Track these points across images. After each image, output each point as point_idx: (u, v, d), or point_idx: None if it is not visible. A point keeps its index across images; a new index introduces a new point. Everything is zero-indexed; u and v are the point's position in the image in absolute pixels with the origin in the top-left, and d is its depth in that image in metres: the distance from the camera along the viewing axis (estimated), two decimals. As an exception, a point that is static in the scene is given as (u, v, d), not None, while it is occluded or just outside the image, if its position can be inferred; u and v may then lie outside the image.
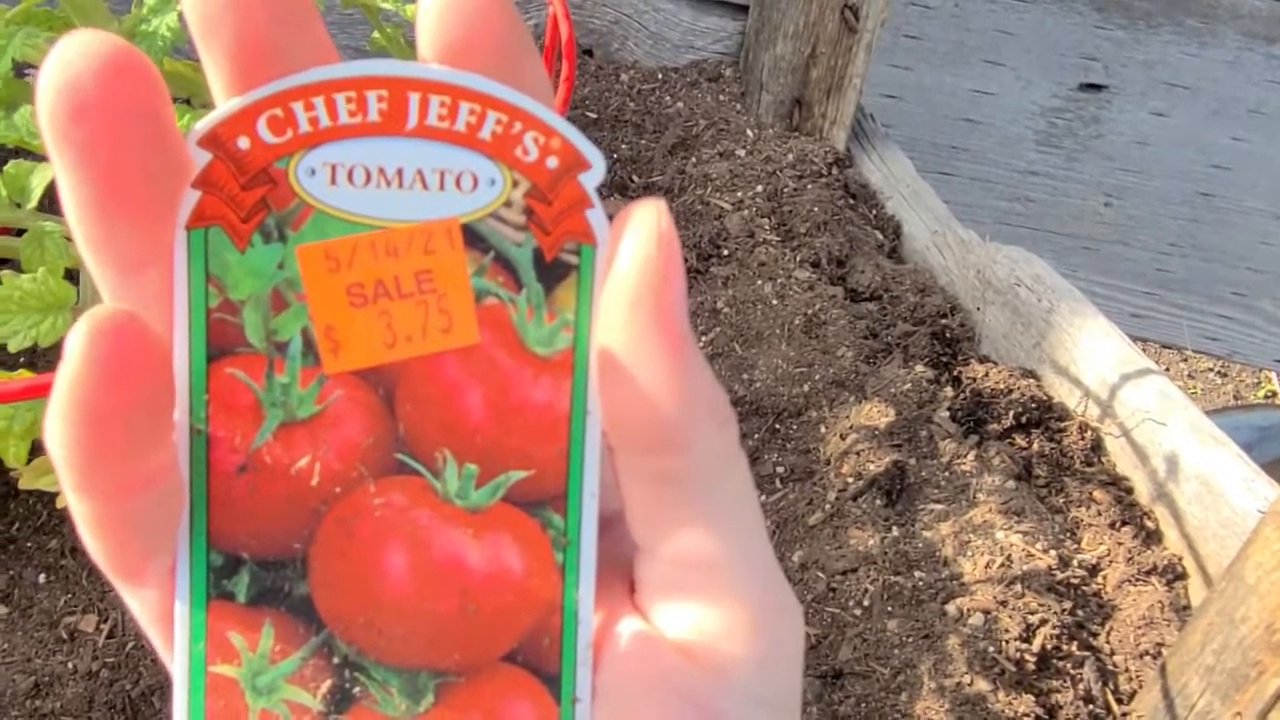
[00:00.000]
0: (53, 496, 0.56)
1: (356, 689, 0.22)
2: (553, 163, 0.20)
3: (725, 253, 0.91)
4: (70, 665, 0.58)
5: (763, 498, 0.73)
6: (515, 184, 0.20)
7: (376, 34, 0.62)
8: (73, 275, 0.46)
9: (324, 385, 0.21)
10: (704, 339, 0.85)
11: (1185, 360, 2.32)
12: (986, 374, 0.78)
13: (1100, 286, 1.69)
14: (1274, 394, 2.25)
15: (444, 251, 0.20)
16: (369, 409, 0.21)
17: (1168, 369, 2.33)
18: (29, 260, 0.44)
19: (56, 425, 0.18)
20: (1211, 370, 2.31)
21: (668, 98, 1.06)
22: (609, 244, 0.20)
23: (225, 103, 0.19)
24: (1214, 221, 1.60)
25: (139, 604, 0.21)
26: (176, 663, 0.21)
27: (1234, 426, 1.64)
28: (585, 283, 0.21)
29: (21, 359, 0.47)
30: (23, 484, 0.53)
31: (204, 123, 0.19)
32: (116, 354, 0.18)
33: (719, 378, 0.81)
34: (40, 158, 0.47)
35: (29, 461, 0.51)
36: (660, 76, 1.08)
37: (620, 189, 0.99)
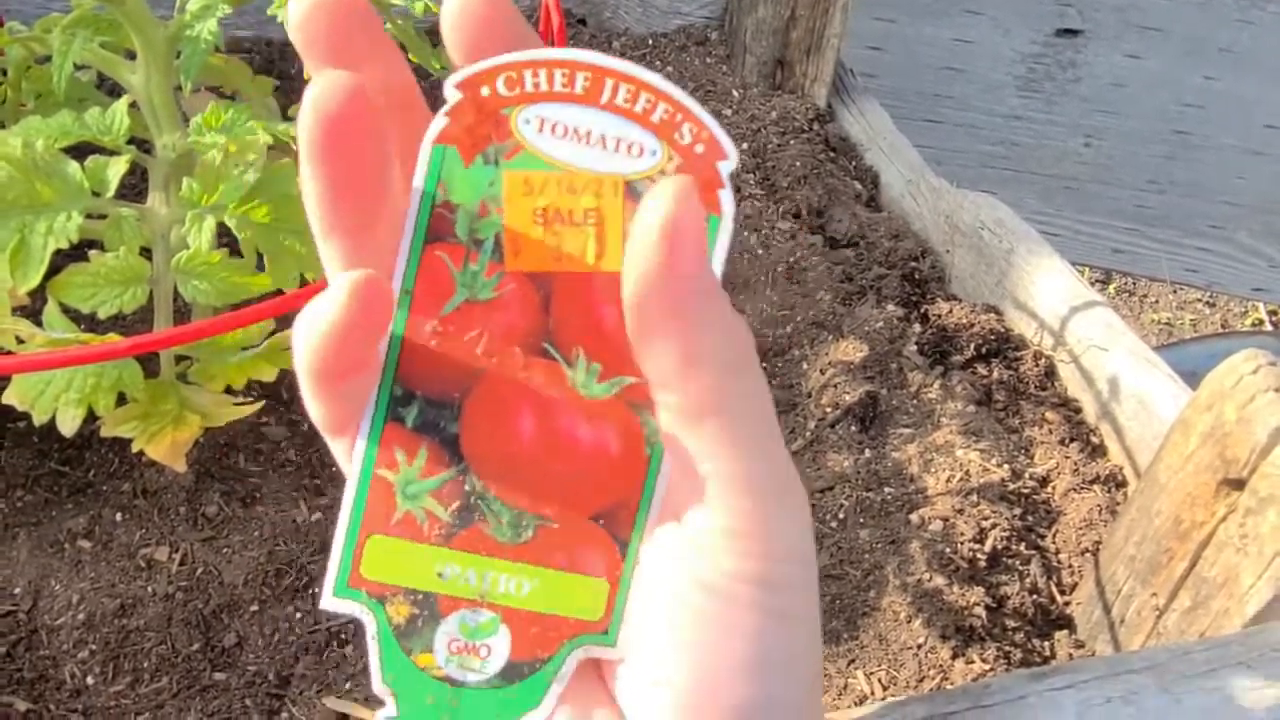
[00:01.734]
0: (125, 443, 0.64)
1: (476, 514, 0.30)
2: (700, 149, 0.27)
3: (714, 207, 0.99)
4: (149, 589, 0.67)
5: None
6: (670, 158, 0.28)
7: (388, 25, 0.69)
8: (145, 253, 0.54)
9: (502, 279, 0.29)
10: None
11: (1175, 292, 2.38)
12: (951, 310, 0.86)
13: (1084, 225, 1.75)
14: (1261, 322, 2.32)
15: (609, 198, 0.28)
16: (531, 304, 0.29)
17: (1158, 301, 2.39)
18: (111, 240, 0.52)
19: (316, 338, 0.26)
20: (1200, 300, 2.38)
21: (658, 62, 1.13)
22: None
23: (479, 62, 0.28)
24: (1190, 158, 1.66)
25: (340, 448, 0.30)
26: (354, 463, 0.30)
27: (1208, 353, 1.72)
28: (711, 243, 0.28)
29: (109, 324, 0.55)
30: (104, 431, 0.62)
31: (463, 72, 0.28)
32: (363, 295, 0.26)
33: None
34: (111, 152, 0.55)
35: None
36: (650, 42, 1.15)
37: (616, 151, 1.06)
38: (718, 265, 0.28)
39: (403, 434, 0.29)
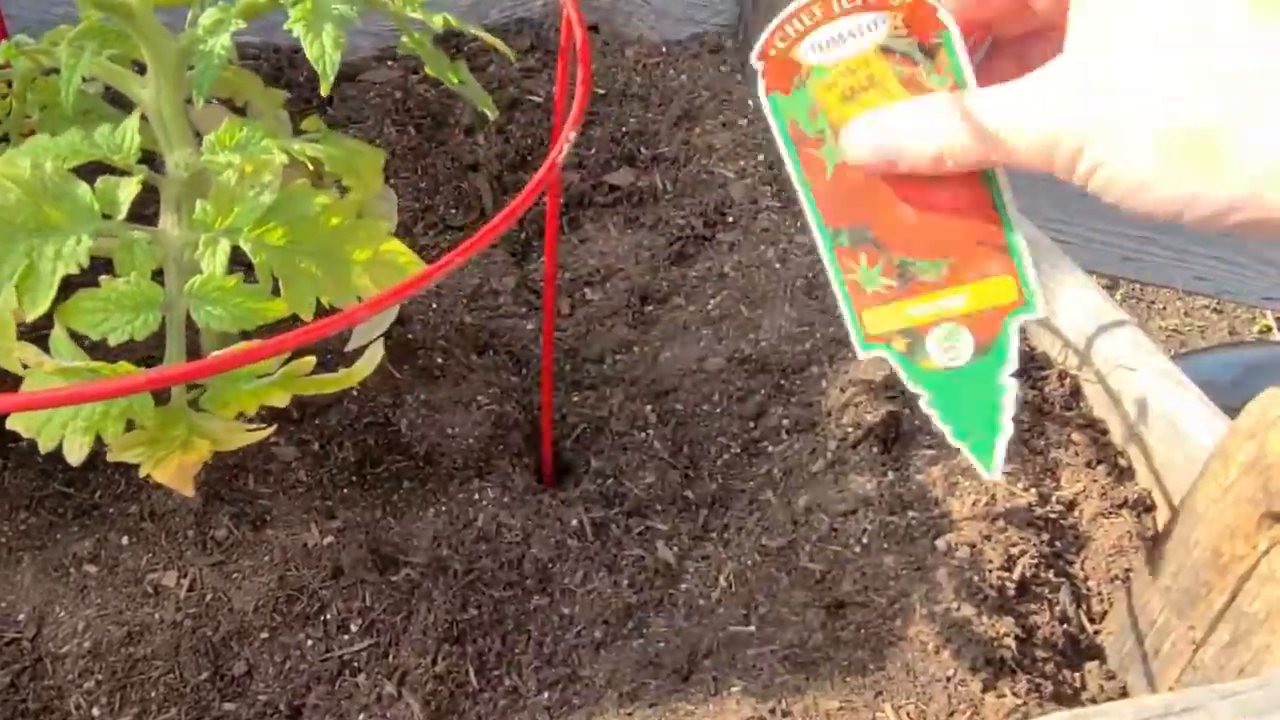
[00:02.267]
0: (132, 464, 0.62)
1: (909, 274, 0.50)
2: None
3: (730, 219, 0.97)
4: (157, 616, 0.65)
5: (769, 448, 0.80)
6: (895, 16, 0.46)
7: (405, 39, 0.68)
8: (157, 276, 0.53)
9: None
10: (713, 301, 0.91)
11: (1181, 299, 2.37)
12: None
13: (1096, 232, 1.74)
14: (1269, 329, 2.31)
15: (875, 63, 0.47)
16: None
17: (1165, 307, 2.38)
18: (122, 265, 0.50)
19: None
20: (1207, 307, 2.36)
21: (671, 71, 1.11)
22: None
23: (760, 37, 0.49)
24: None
25: None
26: (831, 280, 0.52)
27: (1222, 364, 1.70)
28: (950, 49, 0.47)
29: (119, 350, 0.54)
30: (111, 456, 0.60)
31: (755, 48, 0.49)
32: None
33: (727, 338, 0.87)
34: (122, 172, 0.54)
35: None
36: (664, 50, 1.13)
37: (629, 160, 1.04)
38: (967, 70, 0.47)
39: (845, 251, 0.51)
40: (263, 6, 0.60)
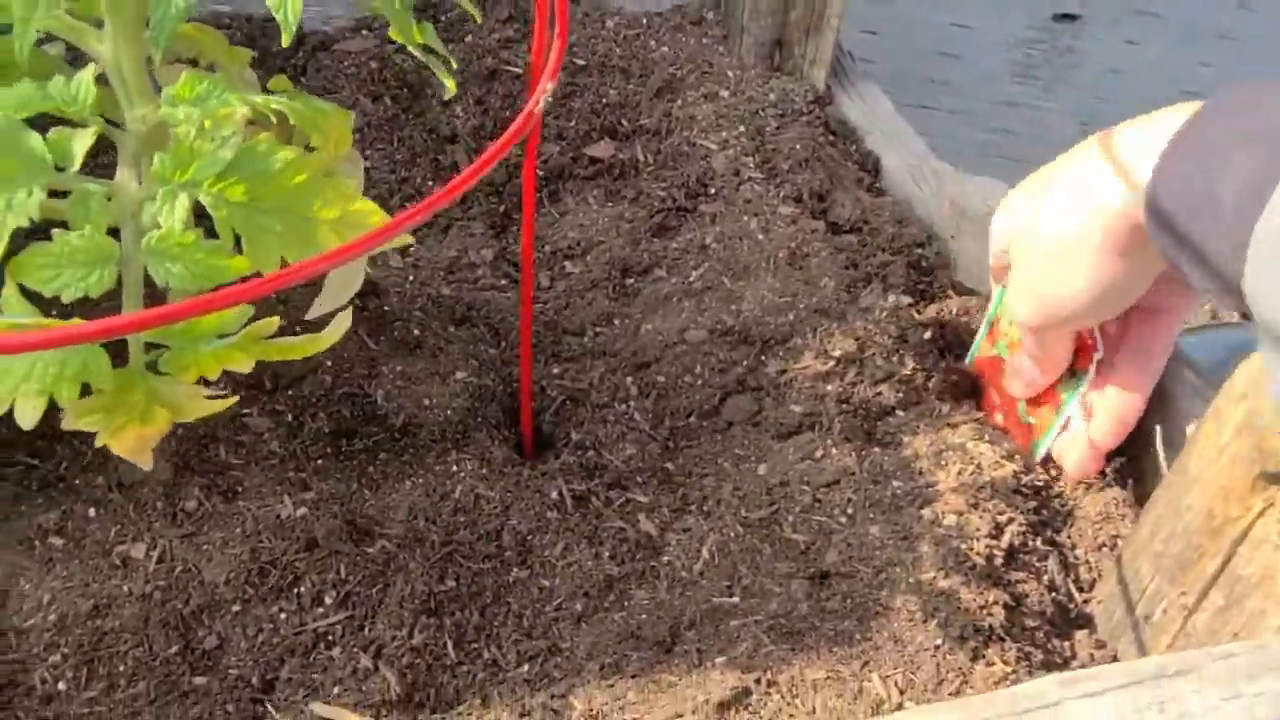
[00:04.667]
0: (93, 436, 0.60)
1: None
2: None
3: (712, 191, 0.96)
4: (125, 588, 0.64)
5: (751, 420, 0.78)
6: None
7: (376, 1, 0.66)
8: (114, 233, 0.51)
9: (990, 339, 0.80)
10: (695, 273, 0.90)
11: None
12: (959, 299, 0.83)
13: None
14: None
15: None
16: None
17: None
18: (75, 219, 0.48)
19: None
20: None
21: (652, 42, 1.09)
22: None
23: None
24: (1187, 145, 1.64)
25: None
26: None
27: (1207, 344, 1.69)
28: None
29: (73, 309, 0.52)
30: (65, 424, 0.58)
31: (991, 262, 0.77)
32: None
33: (710, 310, 0.86)
34: (78, 124, 0.51)
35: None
36: (645, 22, 1.11)
37: (610, 133, 1.03)
38: None
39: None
40: (228, -43, 0.58)
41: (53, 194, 0.49)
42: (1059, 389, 0.72)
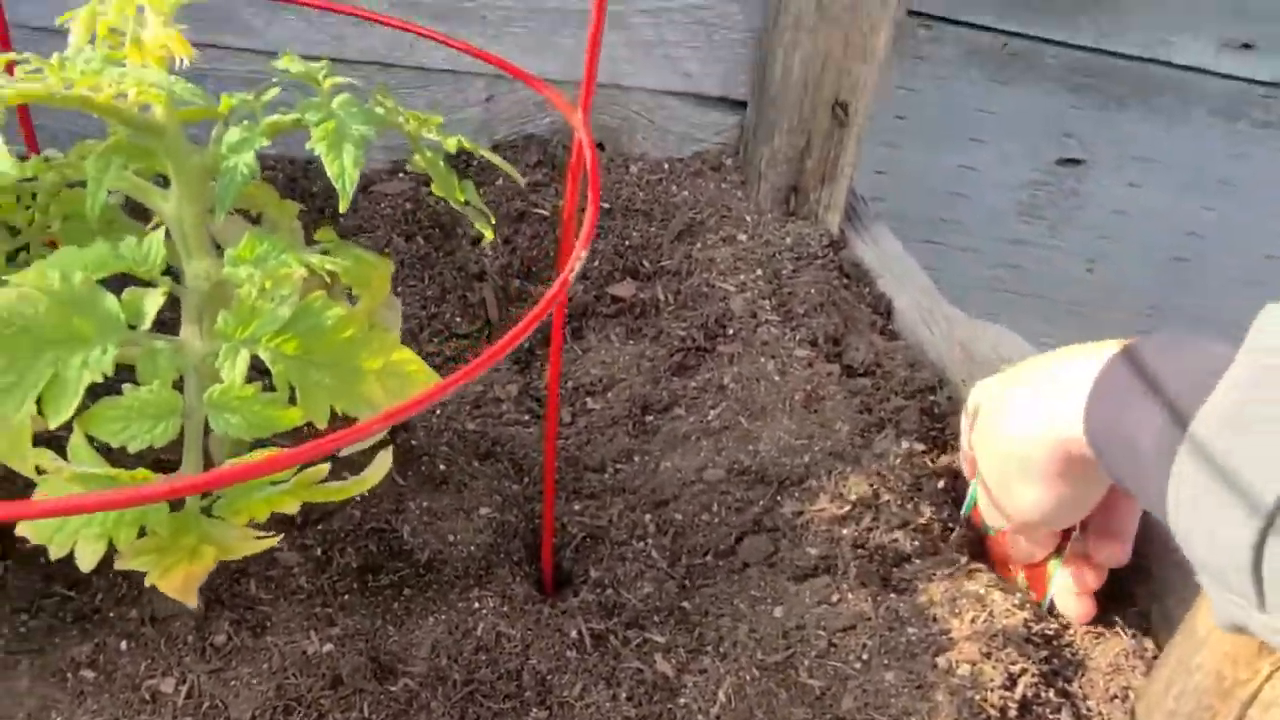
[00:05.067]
0: (132, 573, 0.62)
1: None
2: None
3: (730, 332, 0.99)
4: (153, 723, 0.65)
5: (767, 561, 0.80)
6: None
7: (417, 157, 0.70)
8: (177, 385, 0.54)
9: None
10: (713, 412, 0.93)
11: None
12: (971, 444, 0.86)
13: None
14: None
15: None
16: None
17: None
18: (145, 374, 0.52)
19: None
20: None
21: (674, 187, 1.15)
22: None
23: None
24: (1190, 286, 1.68)
25: None
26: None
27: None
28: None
29: (136, 457, 0.54)
30: (119, 564, 0.60)
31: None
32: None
33: (727, 449, 0.88)
34: (147, 283, 0.55)
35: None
36: (666, 167, 1.17)
37: (632, 273, 1.07)
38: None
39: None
40: (285, 125, 0.63)
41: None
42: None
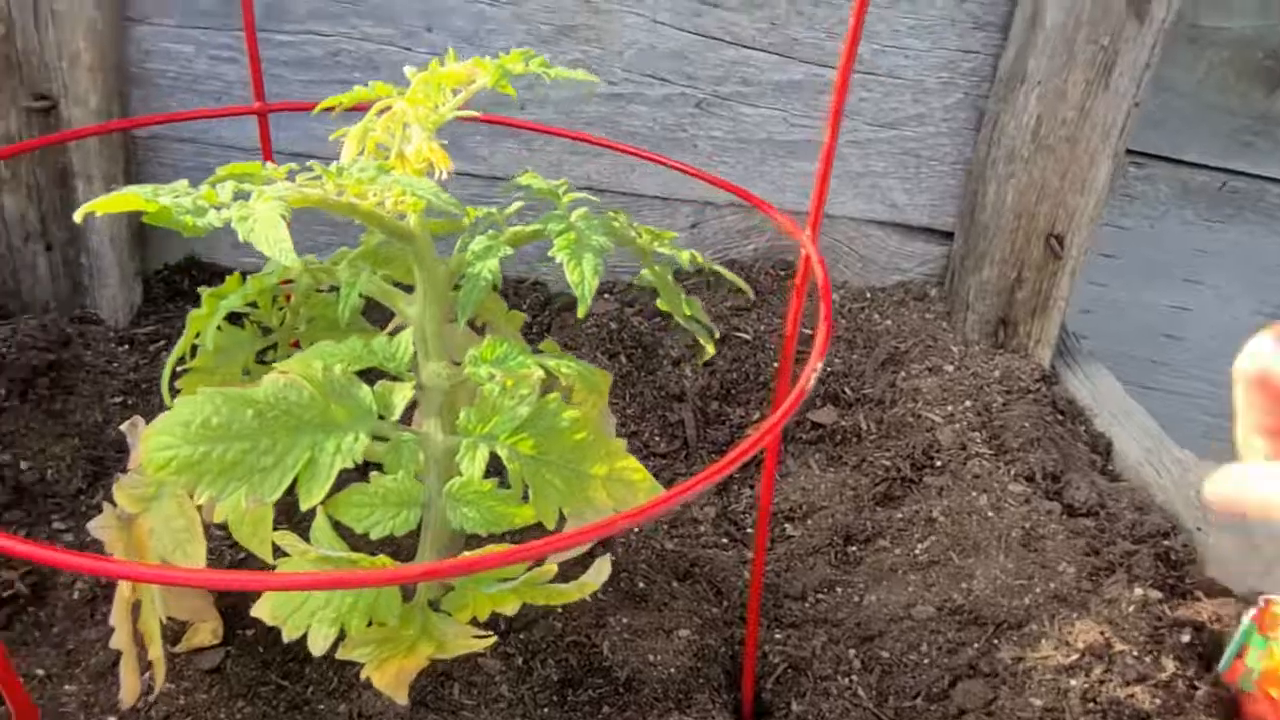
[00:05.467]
0: (345, 662, 0.63)
1: None
2: None
3: (938, 464, 0.96)
4: (354, 823, 0.64)
5: (983, 709, 0.74)
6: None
7: (646, 271, 0.72)
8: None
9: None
10: (920, 546, 0.88)
11: None
12: (1214, 602, 0.79)
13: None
14: None
15: None
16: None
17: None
18: (391, 463, 0.53)
19: None
20: None
21: (876, 315, 1.13)
22: None
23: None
24: None
25: None
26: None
27: None
28: None
29: (374, 544, 0.56)
30: (341, 653, 0.61)
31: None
32: None
33: (937, 586, 0.84)
34: (393, 378, 0.57)
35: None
36: (869, 296, 1.16)
37: (833, 399, 1.05)
38: None
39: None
40: (527, 236, 0.65)
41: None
42: None
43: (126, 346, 1.04)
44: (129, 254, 1.07)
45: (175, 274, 1.13)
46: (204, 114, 0.99)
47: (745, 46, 1.07)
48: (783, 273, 1.17)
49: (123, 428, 0.76)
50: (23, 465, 0.90)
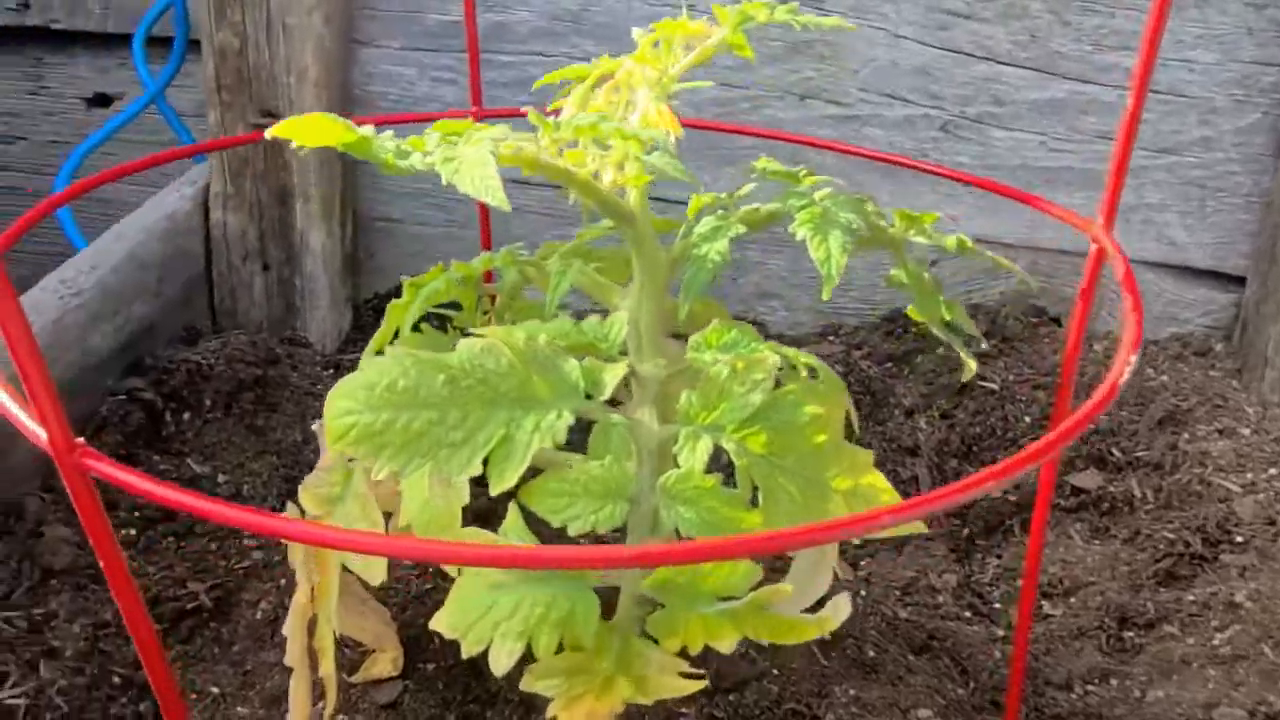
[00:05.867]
0: (530, 706, 0.54)
1: None
2: None
3: (1239, 539, 0.79)
4: None
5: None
6: None
7: (896, 271, 0.62)
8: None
9: None
10: (1220, 635, 0.72)
11: None
12: None
13: None
14: None
15: None
16: None
17: None
18: (595, 449, 0.45)
19: None
20: None
21: (1149, 370, 0.98)
22: None
23: None
24: None
25: None
26: None
27: None
28: None
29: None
30: (524, 685, 0.52)
31: None
32: None
33: (1246, 685, 0.68)
34: (610, 358, 0.49)
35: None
36: (1142, 349, 1.00)
37: (1098, 462, 0.90)
38: None
39: None
40: (764, 217, 0.57)
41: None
42: None
43: (332, 371, 1.02)
44: (341, 279, 1.05)
45: (386, 302, 1.11)
46: (419, 117, 0.96)
47: (998, 62, 0.96)
48: (1034, 319, 1.03)
49: (313, 427, 0.72)
50: (220, 479, 0.88)
